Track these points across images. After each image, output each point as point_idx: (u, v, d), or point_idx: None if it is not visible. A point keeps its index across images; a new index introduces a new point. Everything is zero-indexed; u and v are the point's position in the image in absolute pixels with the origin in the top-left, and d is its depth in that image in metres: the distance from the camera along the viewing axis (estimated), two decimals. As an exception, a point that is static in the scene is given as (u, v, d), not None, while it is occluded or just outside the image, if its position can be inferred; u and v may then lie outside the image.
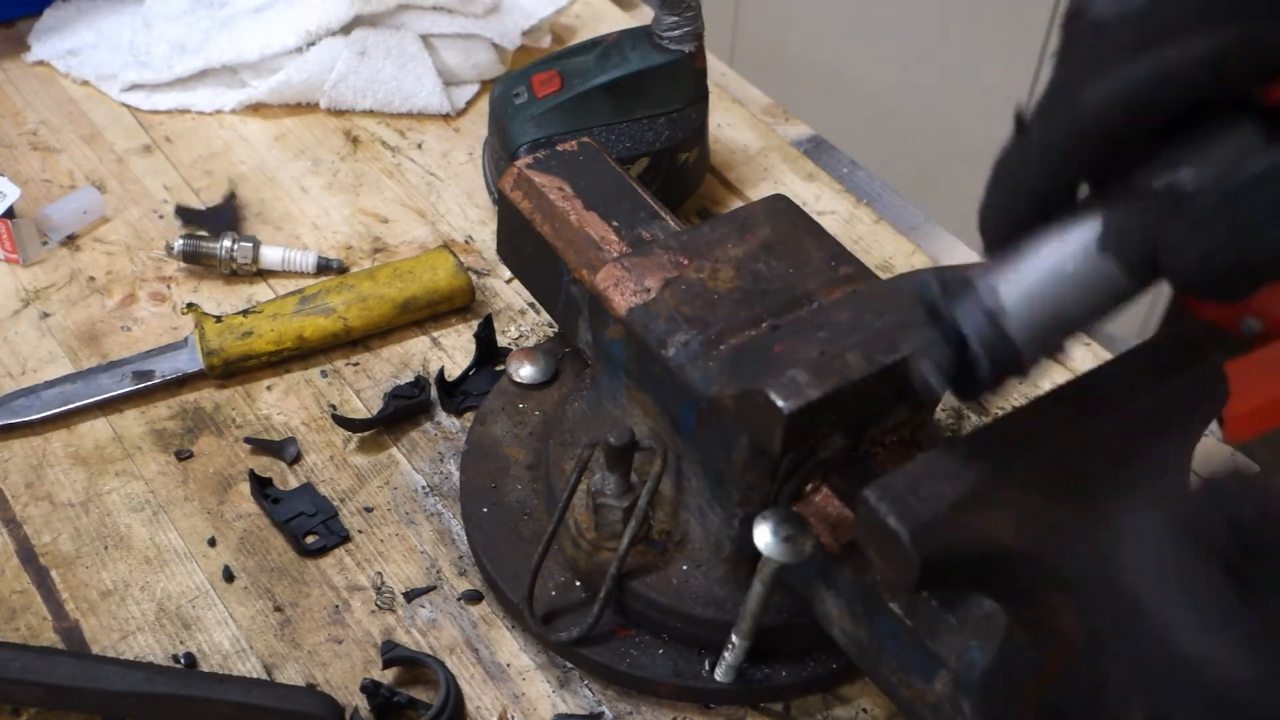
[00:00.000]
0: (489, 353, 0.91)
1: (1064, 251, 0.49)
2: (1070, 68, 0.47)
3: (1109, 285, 0.49)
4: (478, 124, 1.12)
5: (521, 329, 0.94)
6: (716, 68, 1.15)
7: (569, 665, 0.75)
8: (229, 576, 0.79)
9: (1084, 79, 0.46)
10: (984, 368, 0.50)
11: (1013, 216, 0.50)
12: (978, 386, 0.51)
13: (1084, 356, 0.95)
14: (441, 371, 0.89)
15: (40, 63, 1.16)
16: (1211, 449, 0.89)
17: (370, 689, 0.71)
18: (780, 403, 0.60)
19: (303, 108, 1.13)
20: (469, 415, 0.88)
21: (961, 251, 1.03)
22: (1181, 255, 0.46)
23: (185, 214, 1.01)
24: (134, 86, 1.12)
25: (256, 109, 1.12)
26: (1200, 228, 0.45)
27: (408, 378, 0.91)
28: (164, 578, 0.79)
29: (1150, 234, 0.47)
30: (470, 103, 1.14)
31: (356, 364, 0.92)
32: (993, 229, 0.51)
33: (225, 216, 1.00)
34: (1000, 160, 0.49)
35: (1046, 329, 0.50)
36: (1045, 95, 0.48)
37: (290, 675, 0.74)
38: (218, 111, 1.12)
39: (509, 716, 0.73)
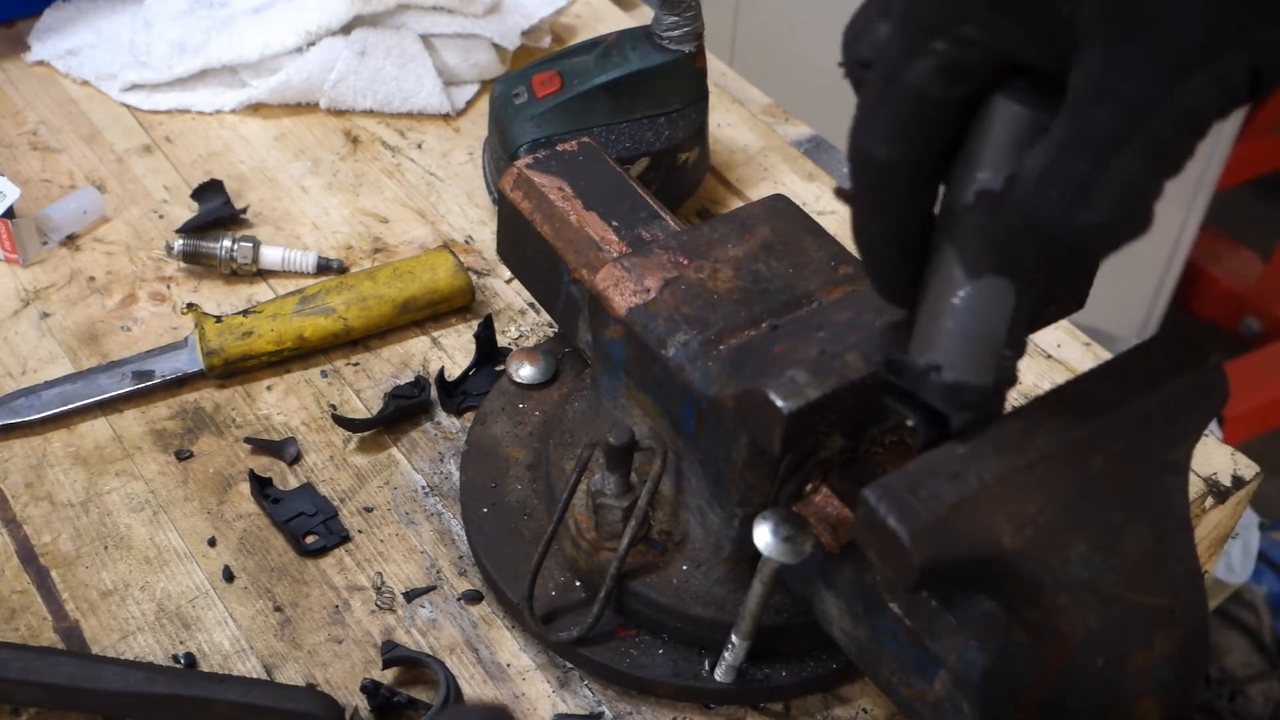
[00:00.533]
0: (489, 353, 0.91)
1: (947, 290, 0.53)
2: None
3: (1003, 295, 0.53)
4: (478, 124, 1.12)
5: (521, 329, 0.94)
6: (716, 68, 1.15)
7: (569, 665, 0.75)
8: (229, 576, 0.79)
9: (868, 135, 0.51)
10: (955, 417, 0.55)
11: (894, 268, 0.55)
12: (962, 427, 0.55)
13: (1084, 356, 0.95)
14: (441, 371, 0.89)
15: (40, 63, 1.16)
16: (1211, 449, 0.89)
17: (370, 689, 0.71)
18: (780, 403, 0.60)
19: (303, 108, 1.13)
20: (469, 415, 0.88)
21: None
22: (1026, 263, 0.49)
23: (200, 193, 1.01)
24: (134, 86, 1.12)
25: (256, 109, 1.12)
26: (1022, 230, 0.47)
27: (408, 378, 0.91)
28: (164, 578, 0.79)
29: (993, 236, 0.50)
30: (470, 103, 1.14)
31: (356, 364, 0.92)
32: (891, 292, 0.56)
33: (229, 215, 1.00)
34: (854, 231, 0.54)
35: (981, 357, 0.54)
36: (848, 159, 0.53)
37: (290, 675, 0.74)
38: (218, 111, 1.12)
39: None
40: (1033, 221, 0.46)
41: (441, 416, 0.88)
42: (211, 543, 0.80)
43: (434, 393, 0.89)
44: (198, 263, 0.96)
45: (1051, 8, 0.44)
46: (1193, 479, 0.86)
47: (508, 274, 0.98)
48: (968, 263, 0.52)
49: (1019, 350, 0.56)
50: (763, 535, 0.65)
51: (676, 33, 0.96)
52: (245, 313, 0.91)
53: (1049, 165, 0.45)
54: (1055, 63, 0.46)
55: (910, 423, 0.56)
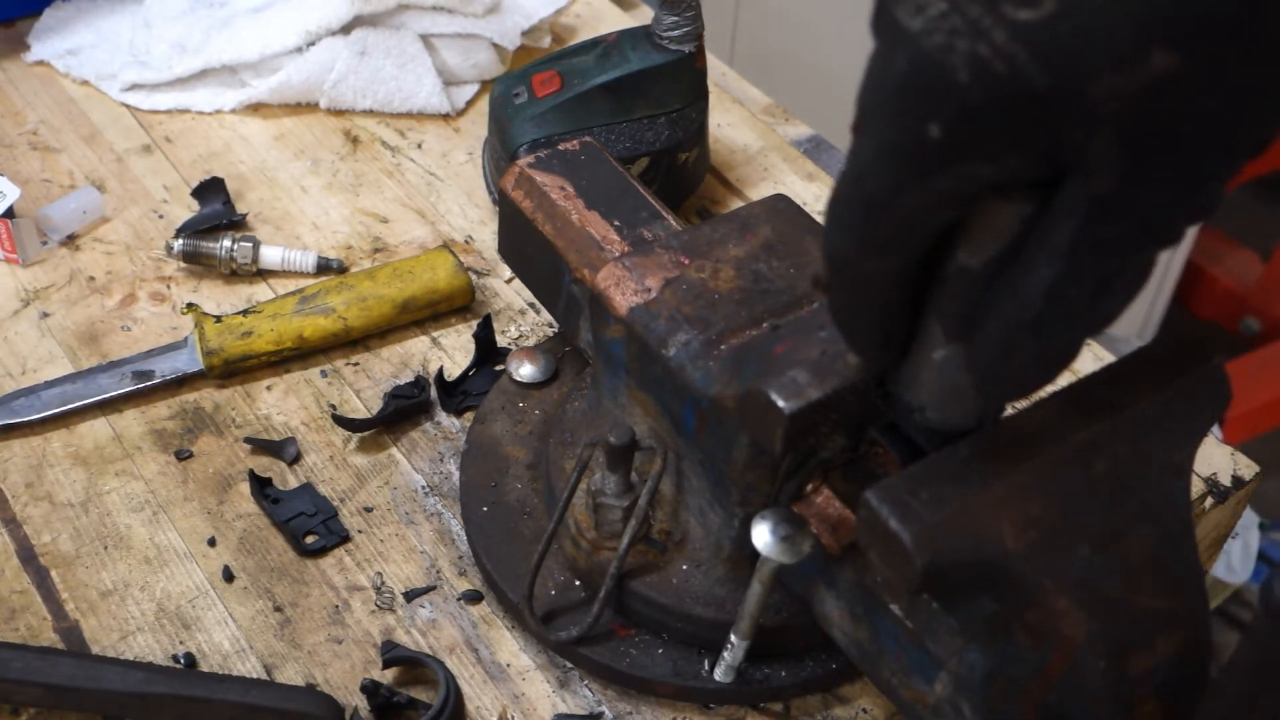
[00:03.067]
0: (489, 353, 0.91)
1: (929, 344, 0.54)
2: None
3: None
4: (478, 124, 1.12)
5: (521, 329, 0.94)
6: (716, 68, 1.15)
7: (569, 665, 0.75)
8: (229, 576, 0.79)
9: (851, 248, 0.49)
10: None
11: (880, 348, 0.56)
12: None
13: (1084, 356, 0.95)
14: (441, 371, 0.89)
15: (40, 63, 1.15)
16: (1211, 449, 0.89)
17: (370, 689, 0.71)
18: (781, 403, 0.60)
19: (303, 108, 1.13)
20: (469, 415, 0.88)
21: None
22: (1028, 355, 0.49)
23: (201, 191, 1.01)
24: (134, 86, 1.12)
25: (256, 109, 1.12)
26: (1030, 327, 0.48)
27: (407, 378, 0.91)
28: (164, 578, 0.79)
29: (971, 310, 0.51)
30: (470, 103, 1.14)
31: (356, 364, 0.92)
32: (872, 359, 0.57)
33: (227, 215, 1.00)
34: (834, 319, 0.54)
35: (963, 403, 0.56)
36: (824, 260, 0.52)
37: (290, 675, 0.74)
38: (218, 111, 1.12)
39: (509, 716, 0.73)
40: (1050, 317, 0.47)
41: (441, 416, 0.88)
42: (211, 543, 0.80)
43: (434, 393, 0.89)
44: (197, 263, 0.96)
45: (1063, 137, 0.43)
46: (1193, 479, 0.86)
47: (508, 274, 0.98)
48: (946, 329, 0.53)
49: None
50: (761, 535, 0.64)
51: (676, 33, 0.96)
52: (245, 313, 0.90)
53: (1066, 270, 0.46)
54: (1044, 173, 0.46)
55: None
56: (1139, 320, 2.34)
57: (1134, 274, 0.46)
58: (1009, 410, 0.58)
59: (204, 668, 0.74)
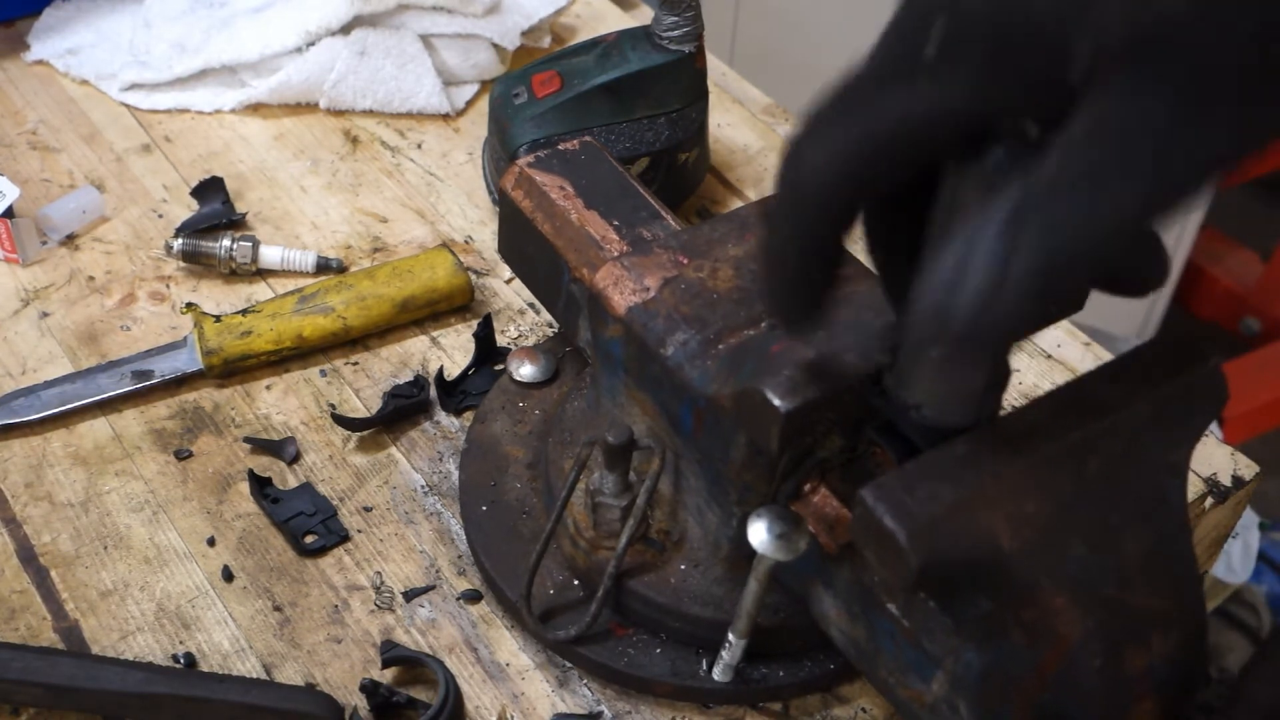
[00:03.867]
0: (488, 352, 0.91)
1: None
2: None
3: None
4: (478, 124, 1.12)
5: (521, 329, 0.94)
6: (716, 68, 1.15)
7: (568, 665, 0.75)
8: (228, 576, 0.79)
9: (839, 162, 0.48)
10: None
11: (796, 303, 0.53)
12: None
13: (1084, 356, 0.95)
14: (441, 371, 0.89)
15: (40, 62, 1.16)
16: (1211, 449, 0.89)
17: (370, 689, 0.71)
18: (777, 402, 0.60)
19: (302, 107, 1.13)
20: (468, 415, 0.88)
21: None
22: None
23: (200, 191, 1.01)
24: (133, 86, 1.12)
25: (256, 109, 1.12)
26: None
27: (407, 377, 0.91)
28: (163, 578, 0.79)
29: None
30: (470, 103, 1.14)
31: (356, 363, 0.92)
32: (790, 319, 0.54)
33: (227, 215, 1.00)
34: (764, 250, 0.51)
35: (960, 402, 0.56)
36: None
37: (289, 675, 0.74)
38: (217, 111, 1.12)
39: (508, 716, 0.73)
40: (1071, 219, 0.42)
41: (440, 416, 0.88)
42: (211, 542, 0.80)
43: (433, 392, 0.89)
44: (197, 262, 0.96)
45: (1060, 65, 0.41)
46: (1193, 479, 0.86)
47: (507, 274, 0.98)
48: None
49: (1002, 385, 0.57)
50: (757, 532, 0.65)
51: (676, 33, 0.96)
52: (244, 312, 0.91)
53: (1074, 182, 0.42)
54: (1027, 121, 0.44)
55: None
56: (1139, 320, 2.34)
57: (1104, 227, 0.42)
58: (1005, 409, 0.58)
59: (204, 667, 0.74)
